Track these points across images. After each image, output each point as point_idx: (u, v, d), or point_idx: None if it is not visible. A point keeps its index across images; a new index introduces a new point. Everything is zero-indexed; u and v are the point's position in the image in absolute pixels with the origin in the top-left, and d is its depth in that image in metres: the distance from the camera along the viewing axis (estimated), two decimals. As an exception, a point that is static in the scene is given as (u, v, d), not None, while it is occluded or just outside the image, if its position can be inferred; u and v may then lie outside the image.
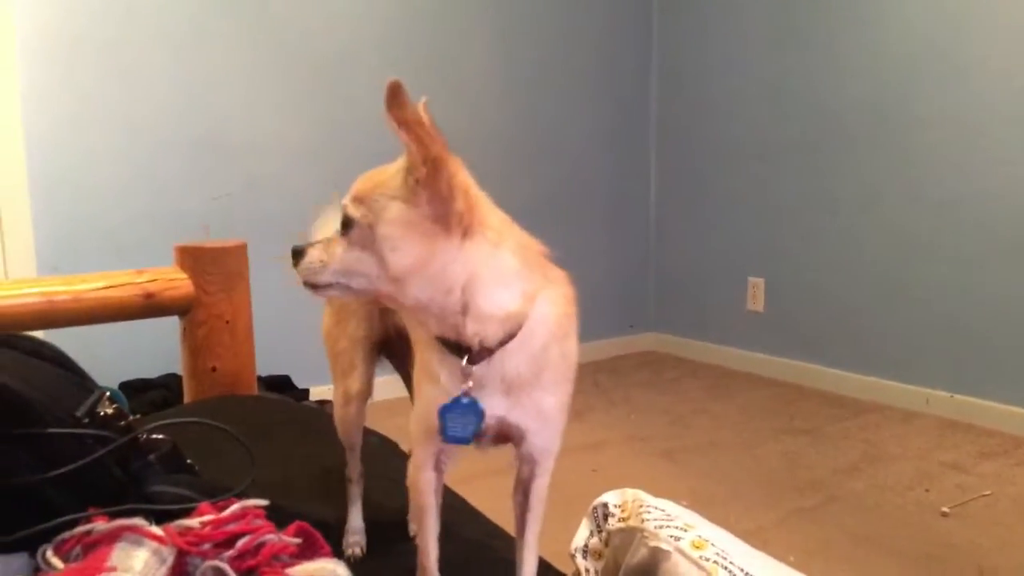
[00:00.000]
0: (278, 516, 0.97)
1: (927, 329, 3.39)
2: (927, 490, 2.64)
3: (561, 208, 4.19)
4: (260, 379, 2.79)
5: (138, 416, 0.98)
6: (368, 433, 1.59)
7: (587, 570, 1.18)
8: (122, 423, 0.92)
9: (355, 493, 1.15)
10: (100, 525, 0.84)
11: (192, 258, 1.65)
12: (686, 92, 4.32)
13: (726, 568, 0.94)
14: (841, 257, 3.69)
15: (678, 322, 4.44)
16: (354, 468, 1.16)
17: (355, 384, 1.11)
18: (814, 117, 3.73)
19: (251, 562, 0.86)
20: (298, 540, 0.93)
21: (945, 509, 2.48)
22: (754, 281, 4.05)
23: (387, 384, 1.21)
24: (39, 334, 2.58)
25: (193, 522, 0.87)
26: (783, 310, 3.95)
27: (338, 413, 1.14)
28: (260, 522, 0.90)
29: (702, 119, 4.24)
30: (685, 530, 1.01)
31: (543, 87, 4.10)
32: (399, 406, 1.23)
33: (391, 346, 1.13)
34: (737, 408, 3.56)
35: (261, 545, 0.87)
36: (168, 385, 2.76)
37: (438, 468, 0.93)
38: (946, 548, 2.27)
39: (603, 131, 4.34)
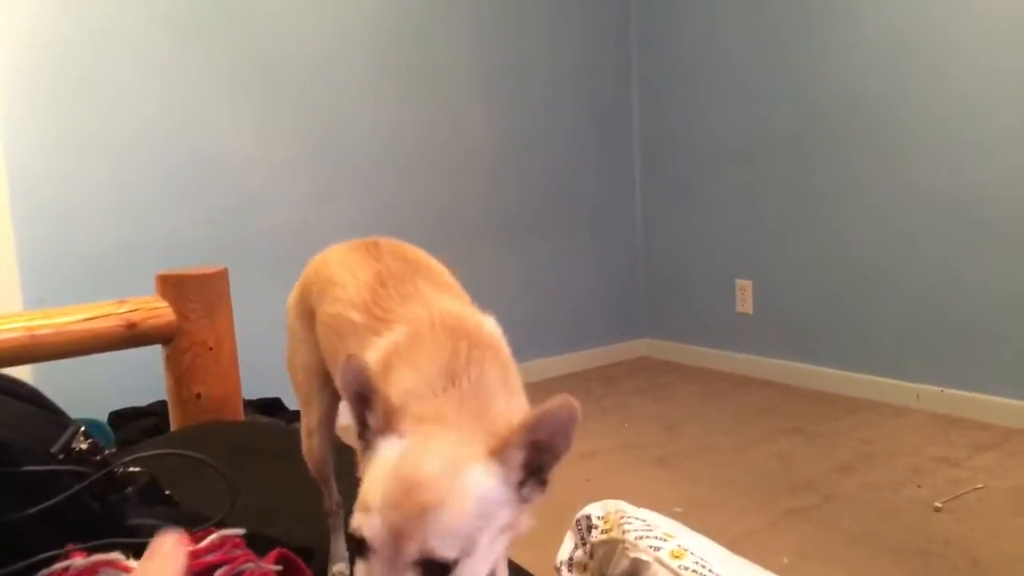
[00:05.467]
0: (260, 543, 0.97)
1: (916, 324, 3.41)
2: (919, 486, 2.65)
3: (547, 216, 4.20)
4: (250, 403, 2.80)
5: (114, 450, 0.99)
6: (351, 453, 1.59)
7: (573, 583, 1.19)
8: (97, 457, 0.93)
9: (335, 524, 1.14)
10: (78, 561, 0.84)
11: (173, 286, 1.65)
12: (667, 95, 4.34)
13: (704, 577, 0.94)
14: (828, 255, 3.71)
15: (669, 327, 4.45)
16: (330, 499, 1.14)
17: (314, 416, 1.09)
18: (795, 116, 3.75)
19: (230, 592, 0.86)
20: (278, 568, 0.93)
21: (938, 504, 2.49)
22: (742, 283, 4.07)
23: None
24: (26, 368, 2.57)
25: (171, 554, 0.88)
26: (772, 311, 3.97)
27: (304, 446, 1.11)
28: (238, 551, 0.90)
29: (685, 122, 4.26)
30: (665, 540, 1.02)
31: (525, 95, 4.12)
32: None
33: None
34: (729, 411, 3.57)
35: (239, 574, 0.88)
36: (159, 412, 2.75)
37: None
38: (940, 543, 2.28)
39: (586, 137, 4.36)
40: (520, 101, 4.11)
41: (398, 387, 0.74)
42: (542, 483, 0.67)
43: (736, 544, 1.20)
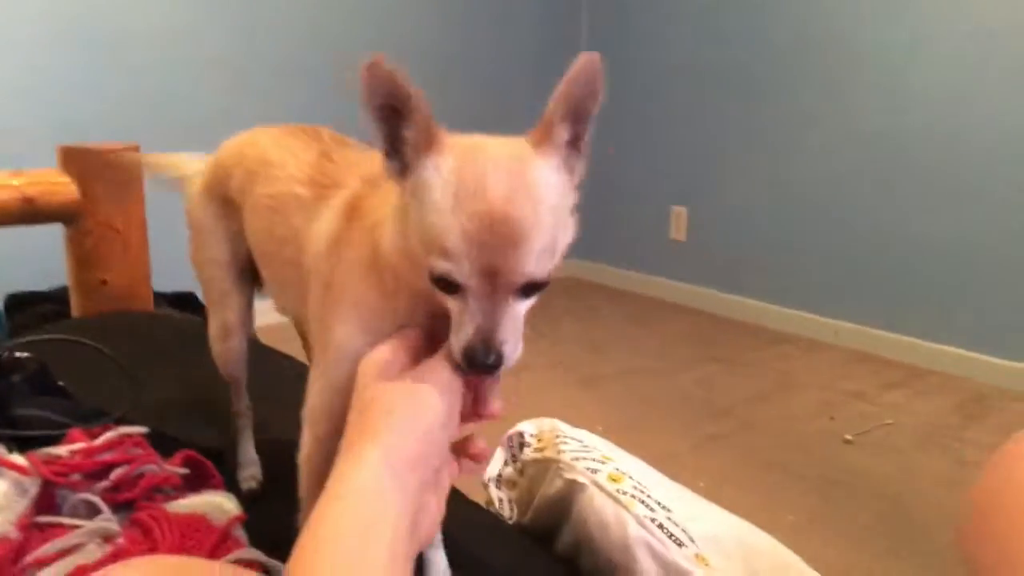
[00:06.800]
0: (164, 445, 0.88)
1: (842, 263, 3.45)
2: (832, 418, 2.71)
3: (483, 130, 4.07)
4: (163, 296, 2.64)
5: (-1, 332, 0.87)
6: (280, 357, 1.50)
7: (500, 500, 1.14)
8: (-22, 340, 0.81)
9: (244, 425, 1.06)
10: (-50, 453, 0.74)
11: (78, 161, 1.50)
12: (618, 13, 4.20)
13: (643, 502, 0.90)
14: (766, 189, 3.70)
15: (601, 250, 4.42)
16: (240, 402, 1.06)
17: (232, 314, 0.99)
18: (747, 45, 3.67)
19: (128, 494, 0.78)
20: (184, 471, 0.85)
21: (848, 437, 2.56)
22: (677, 210, 4.05)
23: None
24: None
25: (62, 450, 0.78)
26: (705, 240, 3.97)
27: (217, 348, 1.01)
28: (139, 451, 0.82)
29: (633, 43, 4.14)
30: (603, 462, 0.98)
31: (470, 4, 3.91)
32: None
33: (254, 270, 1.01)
34: (656, 336, 3.59)
35: (140, 476, 0.79)
36: (62, 298, 2.57)
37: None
38: (849, 474, 2.34)
39: (529, 53, 4.19)
40: (464, 11, 3.90)
41: (381, 203, 0.68)
42: (579, 151, 0.64)
43: (655, 466, 1.17)
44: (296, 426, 1.17)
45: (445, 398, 0.60)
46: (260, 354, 1.38)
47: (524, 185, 0.58)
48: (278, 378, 1.26)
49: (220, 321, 1.00)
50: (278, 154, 0.89)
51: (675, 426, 2.64)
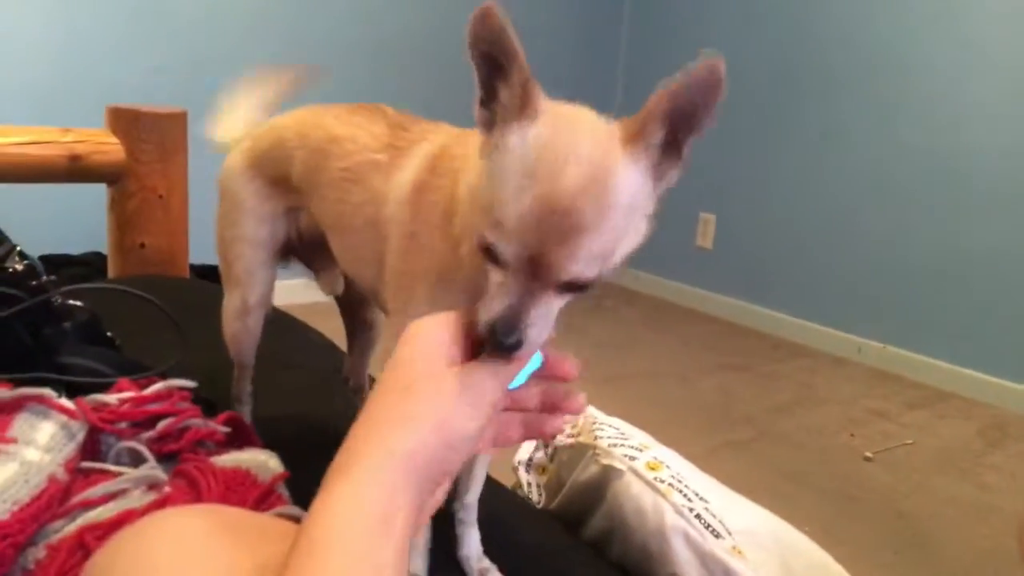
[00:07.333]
0: (206, 408, 0.88)
1: (868, 279, 3.42)
2: (853, 435, 2.69)
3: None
4: (191, 267, 2.66)
5: (53, 278, 0.88)
6: (309, 331, 1.50)
7: (528, 484, 1.14)
8: (34, 283, 0.82)
9: (242, 413, 1.05)
10: (2, 392, 0.75)
11: (126, 122, 1.51)
12: (658, 11, 4.19)
13: (681, 492, 0.90)
14: (797, 198, 3.67)
15: (625, 252, 4.40)
16: (243, 388, 1.06)
17: (255, 292, 0.99)
18: (789, 49, 3.63)
19: (173, 446, 0.78)
20: (227, 429, 0.85)
21: (869, 454, 2.53)
22: (705, 217, 4.02)
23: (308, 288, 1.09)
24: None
25: (110, 398, 0.79)
26: (731, 249, 3.94)
27: (232, 326, 1.01)
28: (186, 405, 0.82)
29: (670, 43, 4.11)
30: (640, 450, 0.97)
31: (512, 4, 3.91)
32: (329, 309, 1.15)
33: (299, 251, 1.01)
34: (676, 342, 3.57)
35: (185, 429, 0.80)
36: (92, 263, 2.60)
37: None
38: (867, 491, 2.32)
39: (567, 51, 4.18)
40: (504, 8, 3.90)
41: (470, 149, 0.66)
42: (677, 158, 0.58)
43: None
44: (332, 394, 1.16)
45: (484, 414, 0.56)
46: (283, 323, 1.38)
47: (600, 184, 0.55)
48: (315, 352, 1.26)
49: (240, 299, 1.00)
50: (347, 130, 0.89)
51: (691, 431, 2.63)
